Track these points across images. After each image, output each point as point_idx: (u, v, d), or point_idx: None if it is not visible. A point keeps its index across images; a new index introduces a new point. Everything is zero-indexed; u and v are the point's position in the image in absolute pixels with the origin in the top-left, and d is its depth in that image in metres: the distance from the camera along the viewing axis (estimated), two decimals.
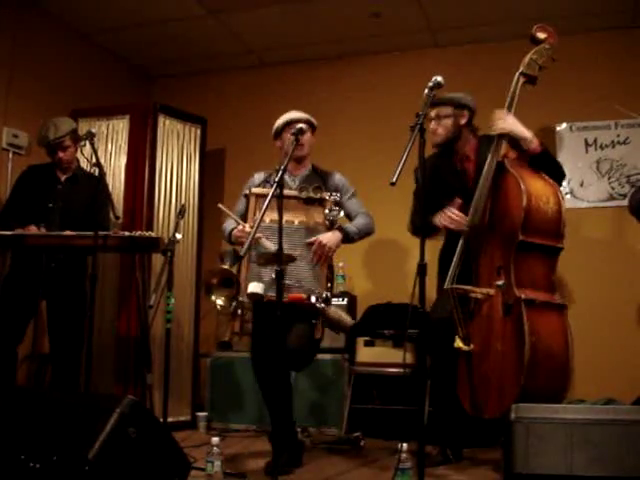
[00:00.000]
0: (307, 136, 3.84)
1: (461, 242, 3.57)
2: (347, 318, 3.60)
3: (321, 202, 3.74)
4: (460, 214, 3.61)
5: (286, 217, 3.61)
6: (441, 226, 3.68)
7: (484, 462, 3.88)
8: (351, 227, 3.82)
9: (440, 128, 3.77)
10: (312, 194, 3.71)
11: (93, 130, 4.08)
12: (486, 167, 3.55)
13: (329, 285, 3.72)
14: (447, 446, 3.84)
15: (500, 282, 3.45)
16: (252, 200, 3.79)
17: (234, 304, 3.53)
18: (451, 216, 3.63)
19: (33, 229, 4.09)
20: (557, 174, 3.63)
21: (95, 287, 4.38)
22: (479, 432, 4.02)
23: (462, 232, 3.58)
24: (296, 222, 3.73)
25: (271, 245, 3.60)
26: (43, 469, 2.51)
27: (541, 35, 3.71)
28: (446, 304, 3.59)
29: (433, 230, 3.74)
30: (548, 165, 3.60)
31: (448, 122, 3.77)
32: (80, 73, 5.51)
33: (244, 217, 3.82)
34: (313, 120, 3.94)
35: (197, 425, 4.97)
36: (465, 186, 3.74)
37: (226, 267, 3.50)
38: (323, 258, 3.68)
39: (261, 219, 3.29)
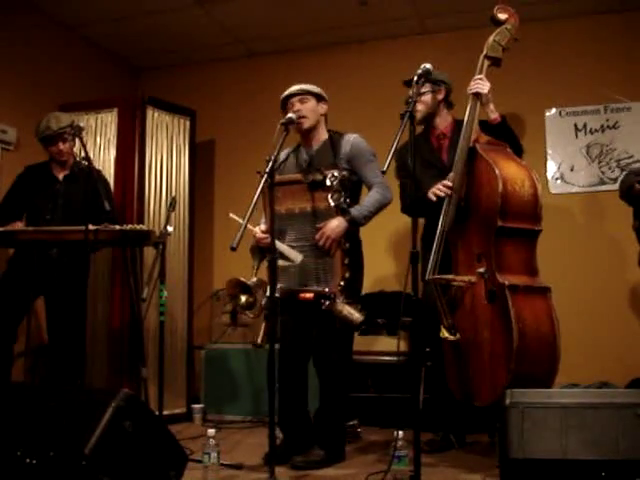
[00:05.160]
0: (307, 105, 3.70)
1: (442, 228, 3.54)
2: (354, 315, 3.37)
3: (324, 185, 3.52)
4: (448, 182, 3.60)
5: (299, 204, 3.60)
6: (434, 198, 3.62)
7: (477, 447, 3.91)
8: (360, 211, 3.59)
9: (420, 105, 3.88)
10: (315, 178, 3.53)
11: (81, 124, 4.06)
12: (465, 127, 3.58)
13: (347, 274, 3.47)
14: (450, 432, 3.88)
15: (482, 269, 3.42)
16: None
17: (264, 304, 3.46)
18: (439, 187, 3.60)
19: (18, 225, 4.09)
20: (516, 145, 3.70)
21: (87, 281, 4.40)
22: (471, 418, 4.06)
23: (449, 199, 3.55)
24: (309, 208, 3.58)
25: (295, 257, 3.52)
26: (40, 465, 2.51)
27: (502, 16, 3.72)
28: (430, 293, 3.61)
29: (426, 207, 3.68)
30: (507, 135, 3.68)
31: (427, 98, 3.94)
32: (67, 67, 5.47)
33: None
34: (311, 89, 3.74)
35: (193, 417, 4.98)
36: (441, 162, 3.86)
37: (242, 278, 3.45)
38: (327, 249, 3.51)
39: (252, 210, 3.26)
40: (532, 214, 3.47)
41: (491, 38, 3.68)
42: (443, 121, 3.97)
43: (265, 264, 3.54)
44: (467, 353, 3.54)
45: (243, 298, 3.45)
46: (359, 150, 3.72)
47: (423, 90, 3.87)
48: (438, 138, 3.96)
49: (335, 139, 3.76)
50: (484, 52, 3.69)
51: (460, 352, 3.57)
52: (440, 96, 3.94)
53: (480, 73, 3.65)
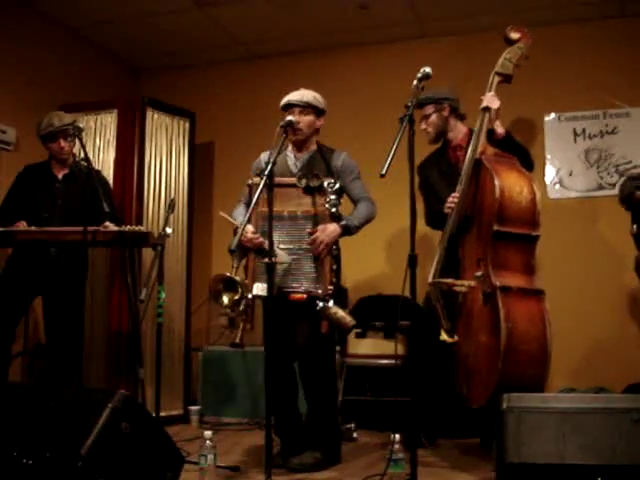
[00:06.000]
0: (306, 119, 3.73)
1: (446, 232, 3.66)
2: (347, 318, 3.43)
3: (320, 191, 3.60)
4: (455, 194, 3.73)
5: (289, 207, 3.62)
6: (448, 211, 3.76)
7: (474, 451, 3.92)
8: (353, 220, 3.67)
9: (429, 127, 4.06)
10: (311, 182, 3.57)
11: (81, 125, 4.06)
12: (473, 139, 3.73)
13: (334, 279, 3.55)
14: (420, 431, 3.89)
15: (479, 273, 3.51)
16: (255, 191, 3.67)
17: (243, 304, 3.45)
18: (449, 202, 3.74)
19: (22, 225, 4.08)
20: (526, 159, 3.83)
21: (85, 281, 4.40)
22: (466, 422, 4.11)
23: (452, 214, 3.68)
24: (299, 212, 3.62)
25: (286, 258, 3.53)
26: (36, 465, 2.51)
27: (515, 35, 3.86)
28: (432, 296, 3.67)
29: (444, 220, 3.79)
30: (514, 147, 3.81)
31: (433, 119, 4.05)
32: (67, 67, 5.47)
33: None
34: (317, 103, 3.76)
35: (189, 419, 4.98)
36: (458, 173, 3.87)
37: (228, 274, 3.43)
38: (319, 253, 3.55)
39: (251, 214, 3.26)
40: (530, 220, 3.55)
41: (502, 56, 3.83)
42: (458, 133, 4.07)
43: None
44: (465, 356, 3.60)
45: (226, 299, 3.42)
46: (349, 167, 3.81)
47: (428, 112, 4.03)
48: (455, 150, 4.06)
49: (325, 151, 3.84)
50: (495, 69, 3.83)
51: (457, 355, 3.64)
52: (446, 113, 4.04)
53: (490, 90, 3.80)
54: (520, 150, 3.84)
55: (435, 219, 3.96)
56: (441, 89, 4.05)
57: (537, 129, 5.25)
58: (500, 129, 3.80)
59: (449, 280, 3.61)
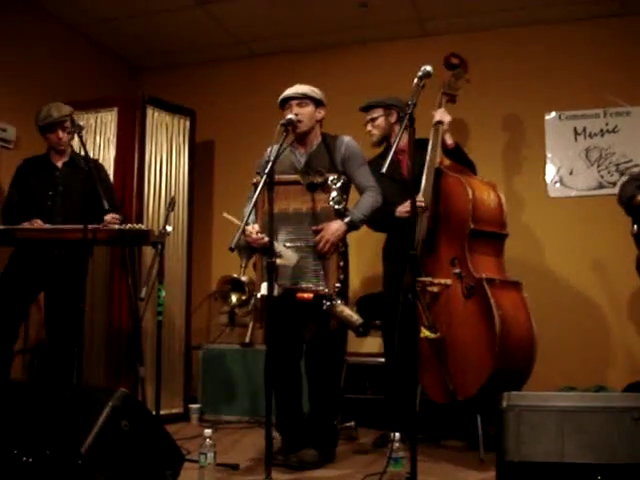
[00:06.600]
0: (305, 110, 3.71)
1: (417, 237, 3.77)
2: (353, 317, 3.40)
3: (324, 187, 3.56)
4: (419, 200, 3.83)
5: (293, 204, 3.61)
6: (400, 215, 3.93)
7: (472, 450, 3.92)
8: (357, 215, 3.62)
9: (374, 129, 4.27)
10: (314, 179, 3.55)
11: (81, 123, 4.06)
12: (430, 151, 3.93)
13: (341, 276, 3.53)
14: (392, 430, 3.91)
15: (457, 270, 3.69)
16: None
17: (251, 303, 3.44)
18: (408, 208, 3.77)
19: (39, 223, 4.07)
20: (472, 169, 4.10)
21: (86, 279, 4.39)
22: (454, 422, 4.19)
23: (421, 212, 3.81)
24: (304, 209, 3.59)
25: (291, 257, 3.52)
26: (36, 463, 2.51)
27: (455, 61, 4.21)
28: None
29: (392, 223, 3.97)
30: (461, 158, 4.08)
31: (380, 122, 4.25)
32: (67, 66, 5.47)
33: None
34: (313, 94, 3.75)
35: (190, 417, 4.98)
36: (402, 175, 4.12)
37: (235, 275, 3.43)
38: (325, 252, 3.53)
39: (251, 211, 3.26)
40: (499, 220, 3.85)
41: (447, 79, 4.15)
42: (400, 139, 4.07)
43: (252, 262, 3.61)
44: (447, 350, 3.69)
45: (234, 297, 3.43)
46: (353, 153, 3.77)
47: (375, 115, 4.22)
48: (397, 153, 4.10)
49: (329, 141, 3.79)
50: (442, 89, 4.13)
51: (440, 351, 3.70)
52: (392, 119, 4.22)
53: (440, 106, 4.07)
54: (466, 161, 4.07)
55: (384, 221, 4.05)
56: (391, 97, 4.25)
57: (538, 128, 5.25)
58: (450, 140, 4.01)
59: (427, 279, 3.73)
